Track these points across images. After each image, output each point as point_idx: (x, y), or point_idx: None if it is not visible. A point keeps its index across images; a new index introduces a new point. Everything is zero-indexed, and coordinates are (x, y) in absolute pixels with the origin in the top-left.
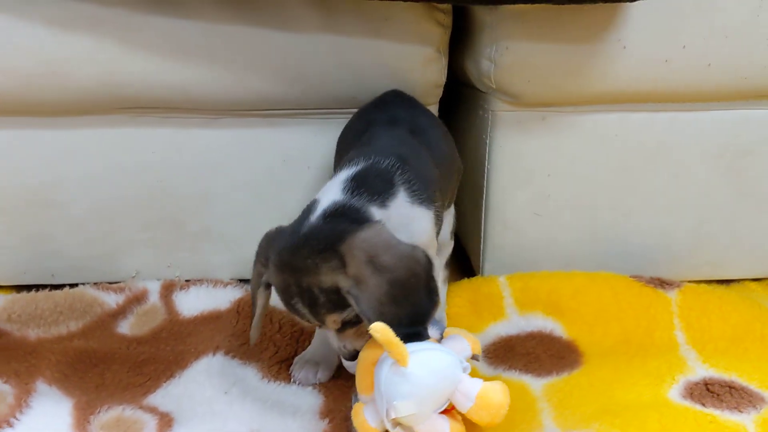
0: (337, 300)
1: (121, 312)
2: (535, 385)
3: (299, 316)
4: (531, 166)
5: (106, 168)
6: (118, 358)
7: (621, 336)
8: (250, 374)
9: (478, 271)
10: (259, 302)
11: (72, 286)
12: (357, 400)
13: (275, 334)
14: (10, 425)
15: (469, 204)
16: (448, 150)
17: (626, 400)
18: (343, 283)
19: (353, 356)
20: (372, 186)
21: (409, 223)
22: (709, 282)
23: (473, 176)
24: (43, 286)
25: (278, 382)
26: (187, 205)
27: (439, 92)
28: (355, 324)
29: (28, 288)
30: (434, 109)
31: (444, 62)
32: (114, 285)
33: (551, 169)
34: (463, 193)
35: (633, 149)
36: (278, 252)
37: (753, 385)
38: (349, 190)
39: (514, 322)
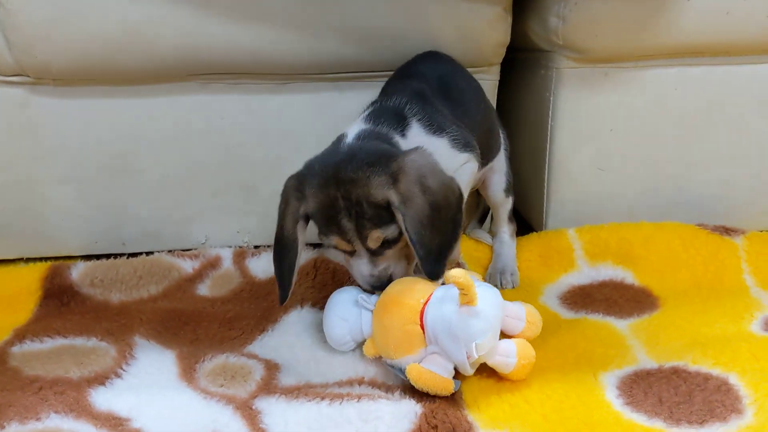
0: (383, 215)
1: (198, 276)
2: (620, 325)
3: (339, 235)
4: (594, 122)
5: (178, 135)
6: (206, 316)
7: (691, 281)
8: None
9: (541, 227)
10: (300, 238)
11: (147, 254)
12: (396, 367)
13: None
14: (118, 375)
15: (530, 164)
16: (474, 103)
17: (712, 335)
18: (394, 198)
19: (383, 285)
20: (388, 119)
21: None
22: None
23: (535, 136)
24: (116, 255)
25: None
26: (257, 171)
27: (503, 52)
28: (391, 245)
29: (98, 257)
30: (496, 69)
31: (509, 21)
32: (187, 252)
33: (613, 124)
34: (523, 153)
35: (692, 102)
36: (321, 171)
37: None
38: (371, 121)
39: (585, 273)
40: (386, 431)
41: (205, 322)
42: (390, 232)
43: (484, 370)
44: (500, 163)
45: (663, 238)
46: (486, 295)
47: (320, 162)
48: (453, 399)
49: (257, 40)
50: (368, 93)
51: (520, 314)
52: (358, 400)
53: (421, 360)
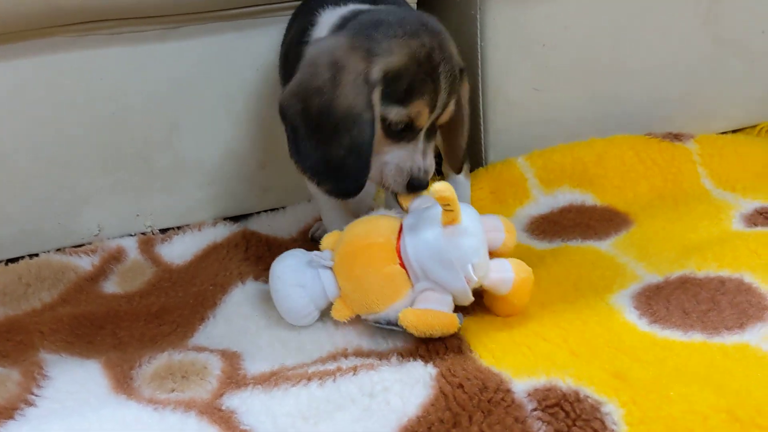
0: (457, 81)
1: (100, 273)
2: (603, 246)
3: (429, 99)
4: (525, 37)
5: (46, 105)
6: (124, 315)
7: (652, 192)
8: None
9: (482, 161)
10: (376, 109)
11: (31, 257)
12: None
13: None
14: (30, 403)
15: None
16: None
17: (701, 239)
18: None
19: (426, 184)
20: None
21: None
22: None
23: (465, 60)
24: None
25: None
26: (150, 138)
27: None
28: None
29: None
30: None
31: None
32: (81, 248)
33: (545, 38)
34: None
35: (621, 8)
36: (399, 22)
37: None
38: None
39: (541, 202)
40: (401, 403)
41: (125, 322)
42: (454, 105)
43: (478, 311)
44: None
45: (616, 153)
46: (465, 209)
47: (384, 16)
48: (463, 353)
49: None
50: (274, 31)
51: (498, 225)
52: (354, 373)
53: (413, 303)
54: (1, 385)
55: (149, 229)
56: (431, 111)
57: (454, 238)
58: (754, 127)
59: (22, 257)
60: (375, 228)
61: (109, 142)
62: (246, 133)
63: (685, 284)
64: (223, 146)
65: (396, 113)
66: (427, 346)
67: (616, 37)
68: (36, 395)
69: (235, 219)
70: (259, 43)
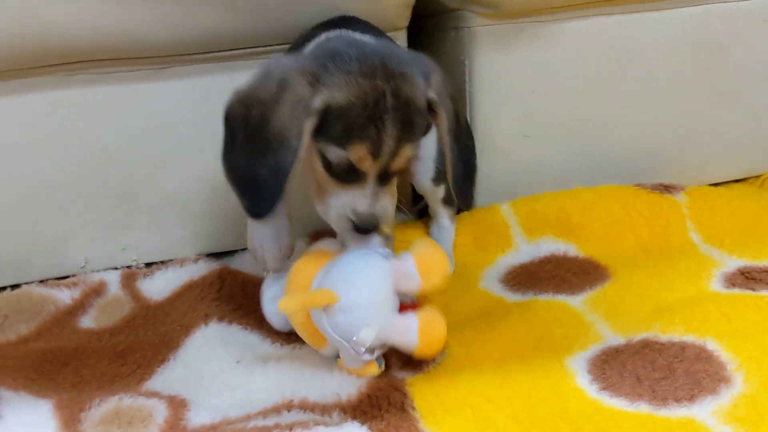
0: (419, 126)
1: (79, 307)
2: (574, 301)
3: (370, 145)
4: (514, 83)
5: (34, 142)
6: (91, 353)
7: (638, 245)
8: (256, 340)
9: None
10: (305, 137)
11: (13, 288)
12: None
13: None
14: None
15: None
16: None
17: (674, 299)
18: (433, 96)
19: (375, 227)
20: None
21: None
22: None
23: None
24: None
25: (293, 345)
26: (136, 175)
27: (408, 15)
28: (397, 174)
29: None
30: (403, 35)
31: None
32: (64, 280)
33: (534, 85)
34: None
35: (611, 55)
36: (360, 57)
37: None
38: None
39: (524, 251)
40: None
41: (91, 360)
42: (416, 151)
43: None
44: (427, 145)
45: (602, 204)
46: (352, 277)
47: (346, 48)
48: (404, 411)
49: (124, 15)
50: None
51: (410, 271)
52: None
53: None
54: None
55: (135, 263)
56: (375, 157)
57: (332, 318)
58: (757, 177)
59: (5, 288)
60: (297, 270)
61: (96, 178)
62: None
63: (645, 348)
64: (208, 184)
65: (335, 153)
66: (370, 400)
67: (608, 86)
68: None
69: (218, 255)
70: None
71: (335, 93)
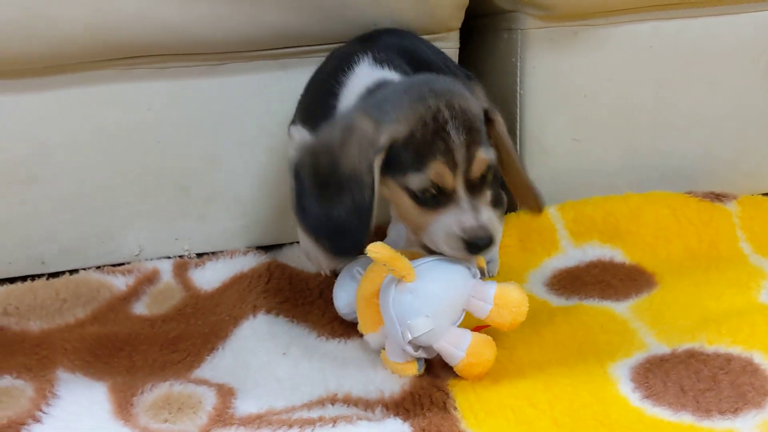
0: (482, 130)
1: (133, 294)
2: (619, 308)
3: (444, 158)
4: (565, 88)
5: (96, 133)
6: (144, 339)
7: (686, 253)
8: (302, 333)
9: (515, 207)
10: (376, 175)
11: (71, 273)
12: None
13: (317, 299)
14: (36, 419)
15: None
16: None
17: (721, 309)
18: (486, 105)
19: (489, 242)
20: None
21: None
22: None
23: (503, 107)
24: (34, 277)
25: (338, 339)
26: (191, 168)
27: (461, 15)
28: (487, 180)
29: (13, 280)
30: (455, 36)
31: None
32: (119, 267)
33: (587, 89)
34: None
35: (668, 60)
36: (407, 89)
37: None
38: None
39: (570, 255)
40: None
41: (143, 346)
42: (490, 155)
43: None
44: None
45: (651, 210)
46: (433, 270)
47: (395, 85)
48: (446, 410)
49: (184, 14)
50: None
51: (486, 295)
52: (333, 425)
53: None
54: (15, 399)
55: (187, 253)
56: (453, 169)
57: (399, 294)
58: None
59: (64, 272)
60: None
61: (151, 170)
62: (282, 167)
63: (690, 359)
64: (259, 179)
65: (417, 181)
66: (413, 398)
67: (662, 90)
68: (44, 412)
69: (267, 248)
70: (301, 80)
71: (397, 126)
